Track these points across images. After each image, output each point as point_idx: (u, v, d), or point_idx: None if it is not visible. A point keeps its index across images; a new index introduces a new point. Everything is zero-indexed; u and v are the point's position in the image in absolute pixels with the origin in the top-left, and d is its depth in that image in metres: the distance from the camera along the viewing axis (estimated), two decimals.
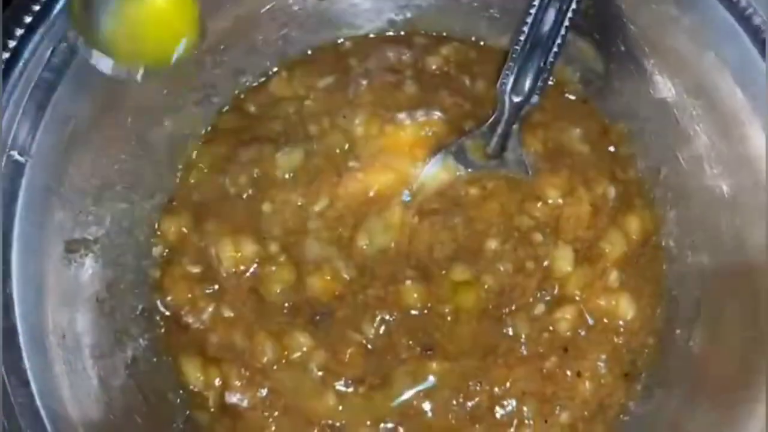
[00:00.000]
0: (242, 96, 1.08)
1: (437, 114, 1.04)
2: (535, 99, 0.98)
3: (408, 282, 0.99)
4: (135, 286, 0.98)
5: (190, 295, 0.98)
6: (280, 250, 1.01)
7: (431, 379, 0.95)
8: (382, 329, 0.97)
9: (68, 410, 0.79)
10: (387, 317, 0.97)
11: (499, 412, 0.93)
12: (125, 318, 0.95)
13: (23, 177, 0.80)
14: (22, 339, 0.78)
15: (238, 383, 0.95)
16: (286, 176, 1.03)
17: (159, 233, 1.02)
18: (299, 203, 1.02)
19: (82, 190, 0.88)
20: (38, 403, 0.75)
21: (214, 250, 0.99)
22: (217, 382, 0.95)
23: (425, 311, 0.98)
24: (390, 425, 0.93)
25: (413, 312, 0.98)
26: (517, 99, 0.99)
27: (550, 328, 0.96)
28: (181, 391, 0.96)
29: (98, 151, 0.90)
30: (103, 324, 0.91)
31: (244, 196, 1.02)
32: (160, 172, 1.02)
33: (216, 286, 0.98)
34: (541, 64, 0.97)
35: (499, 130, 1.01)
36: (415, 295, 0.98)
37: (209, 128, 1.07)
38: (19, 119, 0.80)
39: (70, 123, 0.84)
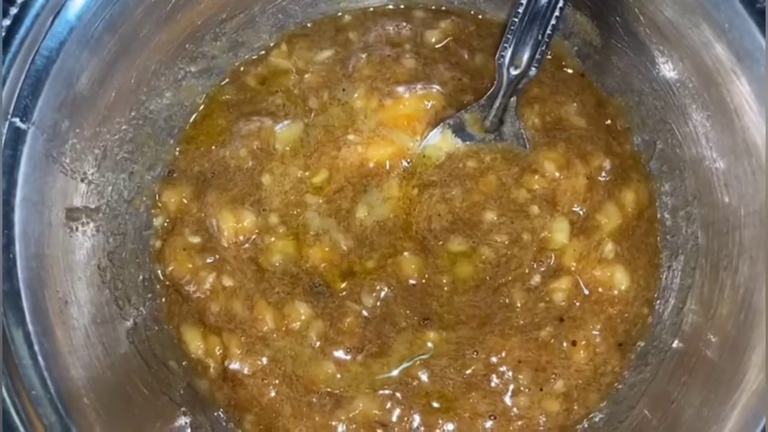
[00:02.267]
0: (242, 69, 1.09)
1: (436, 88, 1.05)
2: (533, 71, 0.99)
3: (406, 253, 1.00)
4: (136, 256, 0.99)
5: (190, 265, 0.99)
6: (279, 221, 1.02)
7: (428, 347, 0.96)
8: (380, 299, 0.99)
9: (71, 373, 0.80)
10: (385, 288, 0.99)
11: (494, 380, 0.95)
12: (126, 286, 0.96)
13: (25, 144, 0.81)
14: (25, 303, 0.79)
15: (238, 351, 0.96)
16: (286, 149, 1.04)
17: (160, 204, 1.03)
18: (299, 175, 1.03)
19: (83, 159, 0.89)
20: (41, 364, 0.76)
21: (215, 221, 1.00)
22: (218, 350, 0.97)
23: (423, 282, 1.00)
24: (387, 392, 0.95)
25: (411, 282, 0.99)
26: (515, 72, 1.00)
27: (546, 298, 0.97)
28: (181, 359, 0.97)
29: (99, 120, 0.91)
30: (104, 292, 0.92)
31: (245, 168, 1.04)
32: (160, 143, 1.02)
33: (216, 256, 0.99)
34: (539, 37, 0.98)
35: (497, 102, 1.02)
36: (413, 266, 1.00)
37: (209, 100, 1.07)
38: (20, 86, 0.81)
39: (71, 91, 0.85)
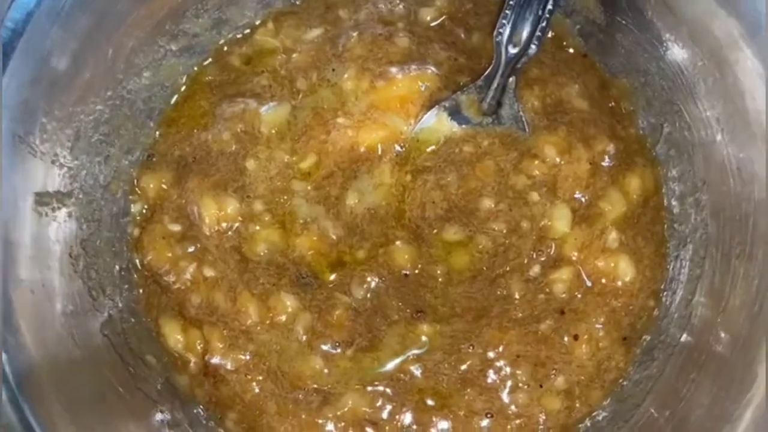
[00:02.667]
0: (226, 48, 1.03)
1: (430, 68, 0.99)
2: (532, 49, 0.94)
3: (398, 242, 0.95)
4: (112, 244, 0.93)
5: (170, 255, 0.94)
6: (264, 208, 0.96)
7: (422, 341, 0.91)
8: (371, 291, 0.93)
9: (36, 368, 0.75)
10: (376, 279, 0.94)
11: (491, 376, 0.90)
12: (101, 276, 0.90)
13: None
14: None
15: (220, 346, 0.91)
16: (272, 132, 0.99)
17: (138, 190, 0.97)
18: (285, 160, 0.98)
19: (54, 141, 0.84)
20: (2, 358, 0.71)
21: (196, 208, 0.95)
22: (198, 344, 0.91)
23: (416, 272, 0.94)
24: (378, 389, 0.89)
25: (404, 273, 0.94)
26: (513, 50, 0.95)
27: (546, 290, 0.92)
28: (160, 354, 0.92)
29: (72, 99, 0.86)
30: (76, 282, 0.86)
31: (228, 152, 0.98)
32: (139, 125, 0.97)
33: (197, 245, 0.94)
34: (539, 12, 0.93)
35: (495, 83, 0.96)
36: (406, 256, 0.94)
37: (190, 81, 1.02)
38: None
39: (40, 67, 0.80)
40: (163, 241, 0.94)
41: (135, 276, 0.95)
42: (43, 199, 0.83)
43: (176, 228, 0.95)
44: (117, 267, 0.93)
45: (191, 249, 0.94)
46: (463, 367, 0.90)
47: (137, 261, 0.95)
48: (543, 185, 0.96)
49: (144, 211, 0.97)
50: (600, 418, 0.92)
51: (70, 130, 0.86)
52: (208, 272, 0.93)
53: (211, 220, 0.95)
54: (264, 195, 0.97)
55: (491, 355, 0.90)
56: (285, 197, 0.97)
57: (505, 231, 0.95)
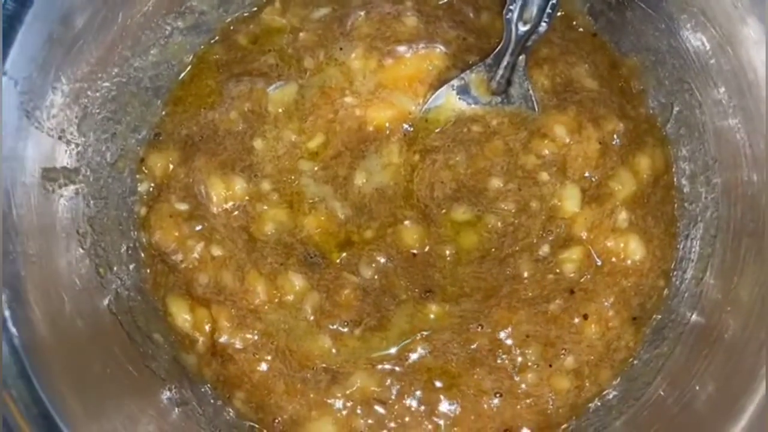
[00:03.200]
0: (232, 27, 1.02)
1: (439, 47, 0.99)
2: (543, 27, 0.93)
3: (407, 222, 0.94)
4: (119, 223, 0.93)
5: (177, 234, 0.93)
6: (272, 188, 0.96)
7: (430, 321, 0.90)
8: (379, 271, 0.93)
9: (45, 343, 0.74)
10: (384, 258, 0.93)
11: (500, 356, 0.89)
12: (108, 254, 0.90)
13: None
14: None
15: (228, 325, 0.90)
16: (279, 111, 0.98)
17: (145, 169, 0.96)
18: (293, 140, 0.97)
19: (61, 117, 0.83)
20: (12, 331, 0.70)
21: (203, 187, 0.94)
22: (206, 324, 0.91)
23: (425, 252, 0.94)
24: (387, 368, 0.89)
25: (412, 252, 0.94)
26: (523, 28, 0.94)
27: (556, 269, 0.92)
28: (167, 333, 0.91)
29: (79, 75, 0.85)
30: (84, 259, 0.86)
31: (235, 131, 0.97)
32: (146, 103, 0.96)
33: (205, 224, 0.93)
34: None
35: (505, 61, 0.95)
36: (415, 236, 0.94)
37: (197, 60, 1.01)
38: None
39: (48, 41, 0.79)
40: (171, 220, 0.93)
41: (142, 255, 0.94)
42: (50, 174, 0.82)
43: (183, 207, 0.94)
44: (124, 246, 0.92)
45: (198, 228, 0.93)
46: (473, 346, 0.89)
47: (144, 240, 0.94)
48: (552, 165, 0.95)
49: (151, 189, 0.96)
50: (610, 397, 0.92)
51: (77, 107, 0.85)
52: (216, 251, 0.92)
53: (219, 199, 0.94)
54: (271, 174, 0.96)
55: (500, 335, 0.89)
56: (292, 177, 0.96)
57: (514, 210, 0.94)
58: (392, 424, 0.89)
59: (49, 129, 0.82)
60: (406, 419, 0.89)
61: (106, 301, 0.87)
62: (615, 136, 0.96)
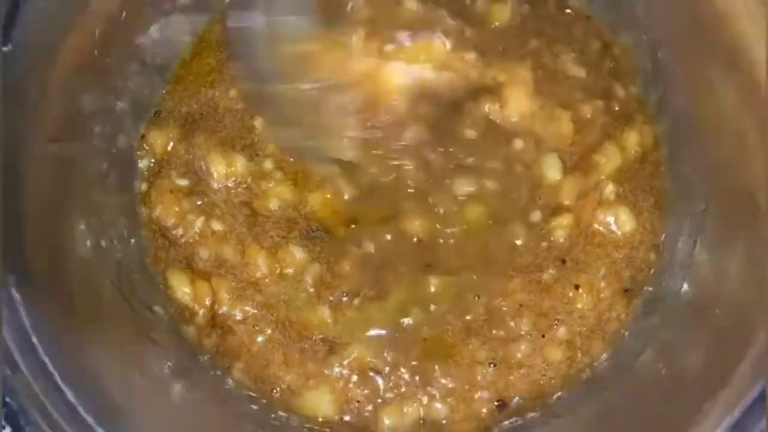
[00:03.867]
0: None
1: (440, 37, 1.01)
2: None
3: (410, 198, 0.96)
4: (119, 196, 0.94)
5: (177, 209, 0.95)
6: (274, 167, 0.98)
7: (429, 292, 0.92)
8: (382, 246, 0.94)
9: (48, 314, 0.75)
10: (388, 236, 0.95)
11: (495, 326, 0.91)
12: (107, 225, 0.91)
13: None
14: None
15: (228, 297, 0.92)
16: None
17: (146, 146, 0.98)
18: None
19: (62, 89, 0.84)
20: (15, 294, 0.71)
21: (203, 164, 0.96)
22: (206, 296, 0.92)
23: (430, 236, 0.95)
24: (384, 338, 0.91)
25: (418, 234, 0.95)
26: None
27: (550, 237, 0.94)
28: (168, 305, 0.93)
29: (78, 50, 0.86)
30: (83, 231, 0.87)
31: (234, 110, 0.99)
32: (146, 80, 0.98)
33: (205, 200, 0.95)
34: None
35: None
36: (416, 222, 0.95)
37: (198, 39, 1.03)
38: None
39: (51, 18, 0.80)
40: (171, 196, 0.95)
41: (142, 230, 0.96)
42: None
43: (184, 183, 0.96)
44: (124, 219, 0.94)
45: (199, 203, 0.95)
46: (468, 317, 0.91)
47: (145, 215, 0.96)
48: (525, 134, 0.98)
49: (151, 165, 0.98)
50: (601, 368, 0.93)
51: (77, 80, 0.86)
52: (216, 226, 0.94)
53: (219, 176, 0.96)
54: (274, 154, 0.98)
55: (495, 304, 0.91)
56: None
57: (501, 169, 0.96)
58: (388, 395, 0.90)
59: (53, 100, 0.83)
60: (402, 389, 0.90)
61: (106, 273, 0.88)
62: (593, 116, 0.99)
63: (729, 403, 0.72)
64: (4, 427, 0.66)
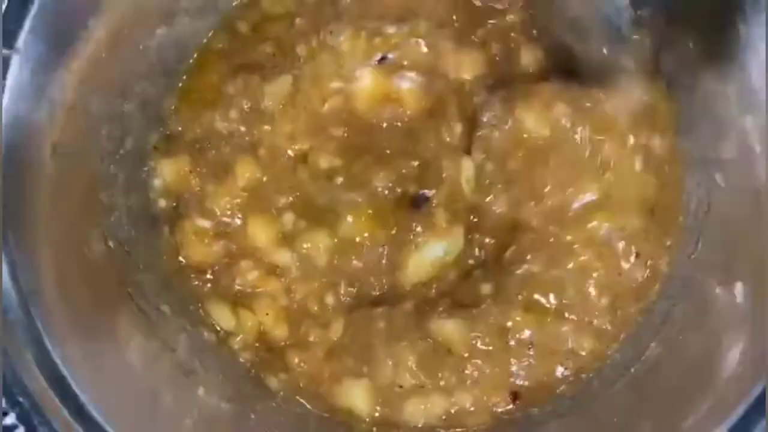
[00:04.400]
0: (235, 13, 1.03)
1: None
2: None
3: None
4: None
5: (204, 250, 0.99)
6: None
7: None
8: None
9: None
10: None
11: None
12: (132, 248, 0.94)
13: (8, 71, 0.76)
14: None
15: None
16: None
17: (157, 175, 1.00)
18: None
19: (69, 91, 0.83)
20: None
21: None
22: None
23: None
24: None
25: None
26: None
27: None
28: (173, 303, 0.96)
29: (86, 55, 0.85)
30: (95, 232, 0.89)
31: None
32: (153, 85, 0.98)
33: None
34: None
35: None
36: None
37: (202, 49, 1.03)
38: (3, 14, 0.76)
39: (58, 18, 0.80)
40: (195, 238, 0.98)
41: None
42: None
43: (206, 224, 0.99)
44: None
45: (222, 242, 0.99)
46: None
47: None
48: None
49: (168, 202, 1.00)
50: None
51: (88, 86, 0.86)
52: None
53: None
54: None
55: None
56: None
57: None
58: None
59: (60, 105, 0.82)
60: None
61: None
62: None
63: (729, 403, 0.74)
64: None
